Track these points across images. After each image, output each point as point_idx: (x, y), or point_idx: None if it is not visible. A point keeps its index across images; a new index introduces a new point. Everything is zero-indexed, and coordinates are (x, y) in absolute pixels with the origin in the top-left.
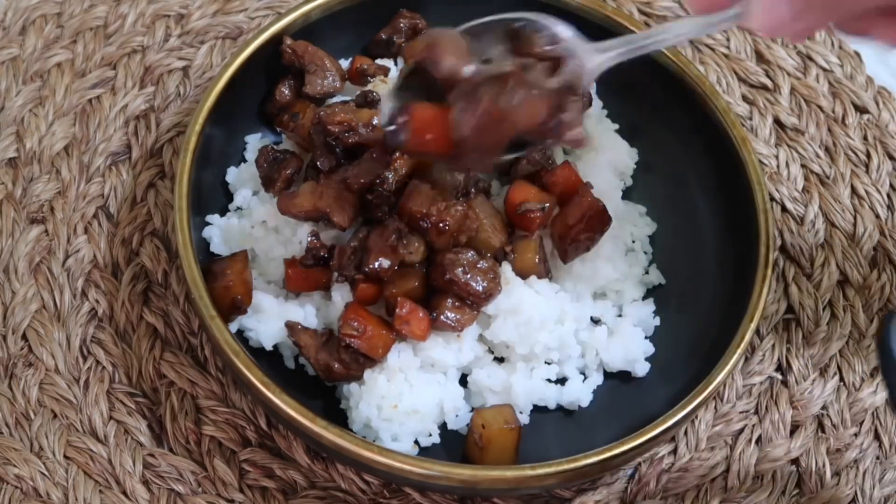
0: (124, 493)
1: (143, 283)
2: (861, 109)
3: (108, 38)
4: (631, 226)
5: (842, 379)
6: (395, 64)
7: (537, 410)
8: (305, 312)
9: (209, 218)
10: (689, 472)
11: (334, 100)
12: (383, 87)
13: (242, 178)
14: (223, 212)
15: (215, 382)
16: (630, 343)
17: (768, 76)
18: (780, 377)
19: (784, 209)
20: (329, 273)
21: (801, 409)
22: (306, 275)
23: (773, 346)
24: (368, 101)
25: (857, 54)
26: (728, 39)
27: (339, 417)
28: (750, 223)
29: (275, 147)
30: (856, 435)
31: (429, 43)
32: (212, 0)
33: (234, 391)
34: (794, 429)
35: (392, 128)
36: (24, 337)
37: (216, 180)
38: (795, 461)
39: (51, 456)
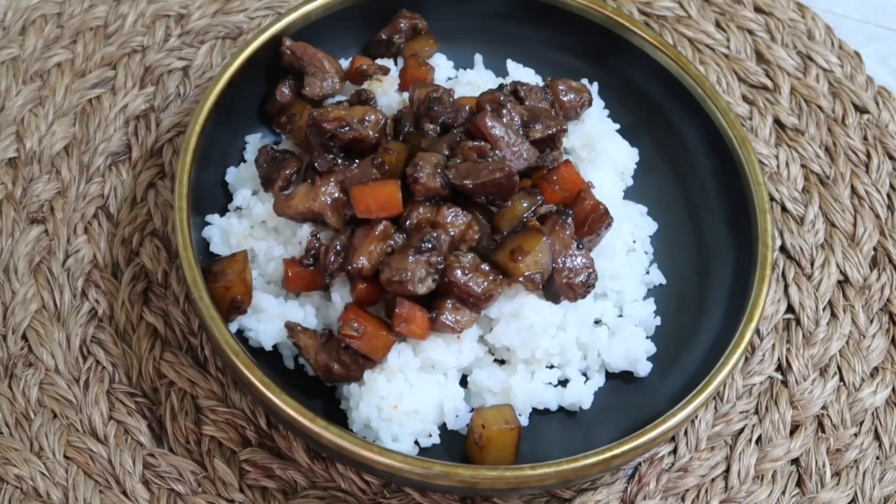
0: (124, 493)
1: (143, 283)
2: (861, 109)
3: (108, 38)
4: (632, 226)
5: (842, 379)
6: (395, 64)
7: (539, 411)
8: (305, 312)
9: (209, 218)
10: (689, 472)
11: (332, 100)
12: (378, 86)
13: (242, 178)
14: (223, 212)
15: (215, 382)
16: (631, 343)
17: (768, 76)
18: (780, 377)
19: (784, 209)
20: None
21: (801, 409)
22: (306, 275)
23: (773, 346)
24: (363, 100)
25: (857, 54)
26: (728, 39)
27: (339, 418)
28: (750, 223)
29: (274, 147)
30: (856, 435)
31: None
32: (212, 0)
33: (234, 391)
34: (794, 429)
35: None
36: (24, 337)
37: (216, 180)
38: (795, 461)
39: (51, 456)
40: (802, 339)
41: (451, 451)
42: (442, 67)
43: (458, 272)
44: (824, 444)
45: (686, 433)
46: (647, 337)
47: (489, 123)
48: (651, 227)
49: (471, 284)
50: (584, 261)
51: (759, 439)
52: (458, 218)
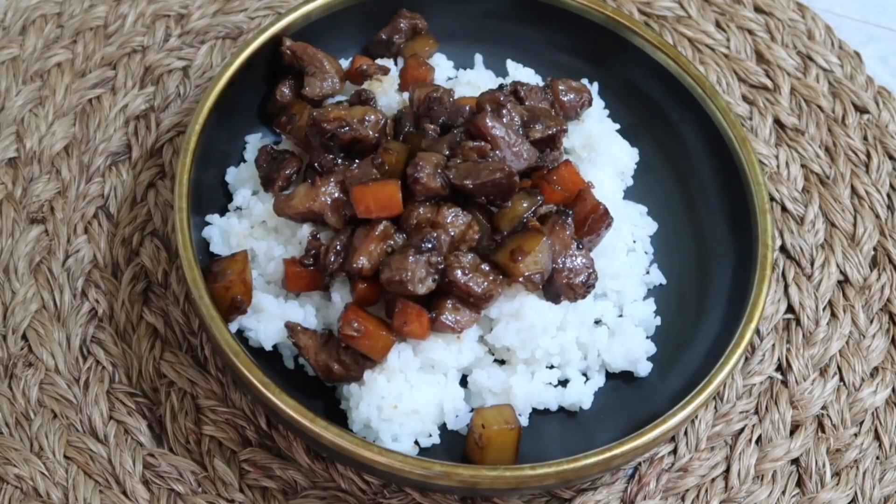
0: (124, 493)
1: (143, 283)
2: (861, 109)
3: (108, 38)
4: (632, 226)
5: (842, 379)
6: (395, 64)
7: (539, 411)
8: (305, 312)
9: (209, 218)
10: (689, 472)
11: (332, 100)
12: (378, 86)
13: (242, 178)
14: (223, 212)
15: (215, 382)
16: (631, 343)
17: (768, 76)
18: (780, 377)
19: (784, 209)
20: None
21: (801, 409)
22: (306, 275)
23: (773, 346)
24: (363, 100)
25: (857, 54)
26: (728, 39)
27: (339, 418)
28: (750, 223)
29: (274, 147)
30: (856, 435)
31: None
32: (212, 0)
33: (234, 391)
34: (794, 429)
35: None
36: (24, 337)
37: (216, 180)
38: (795, 461)
39: (51, 456)
40: (802, 339)
41: (451, 451)
42: (442, 67)
43: (459, 272)
44: (824, 444)
45: (686, 433)
46: (647, 337)
47: (489, 123)
48: (651, 227)
49: (471, 284)
50: (584, 261)
51: (759, 439)
52: (458, 218)
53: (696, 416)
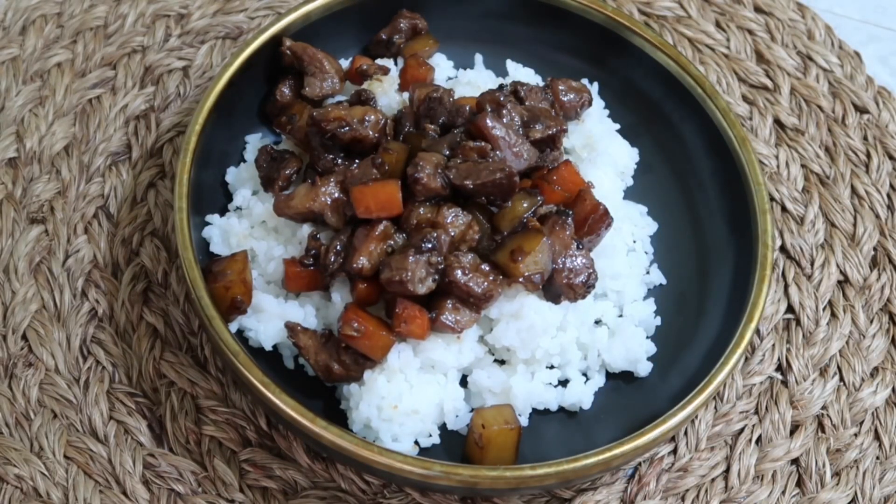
0: (124, 493)
1: (143, 283)
2: (861, 109)
3: (108, 38)
4: (632, 226)
5: (842, 379)
6: (395, 64)
7: (539, 411)
8: (305, 312)
9: (209, 218)
10: (689, 472)
11: (332, 100)
12: (378, 86)
13: (242, 178)
14: (223, 212)
15: (215, 382)
16: (631, 343)
17: (768, 76)
18: (780, 377)
19: (784, 209)
20: None
21: (801, 409)
22: (306, 275)
23: (773, 346)
24: (363, 100)
25: (857, 54)
26: (728, 39)
27: (339, 418)
28: (750, 223)
29: (274, 147)
30: (856, 435)
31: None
32: (212, 0)
33: (234, 391)
34: (794, 429)
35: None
36: (24, 337)
37: (216, 180)
38: (795, 461)
39: (51, 456)
40: (802, 339)
41: (451, 451)
42: (442, 67)
43: (459, 272)
44: (824, 444)
45: (686, 433)
46: (647, 337)
47: (489, 124)
48: (651, 227)
49: (471, 284)
50: (584, 261)
51: (759, 439)
52: (458, 218)
53: (696, 416)
